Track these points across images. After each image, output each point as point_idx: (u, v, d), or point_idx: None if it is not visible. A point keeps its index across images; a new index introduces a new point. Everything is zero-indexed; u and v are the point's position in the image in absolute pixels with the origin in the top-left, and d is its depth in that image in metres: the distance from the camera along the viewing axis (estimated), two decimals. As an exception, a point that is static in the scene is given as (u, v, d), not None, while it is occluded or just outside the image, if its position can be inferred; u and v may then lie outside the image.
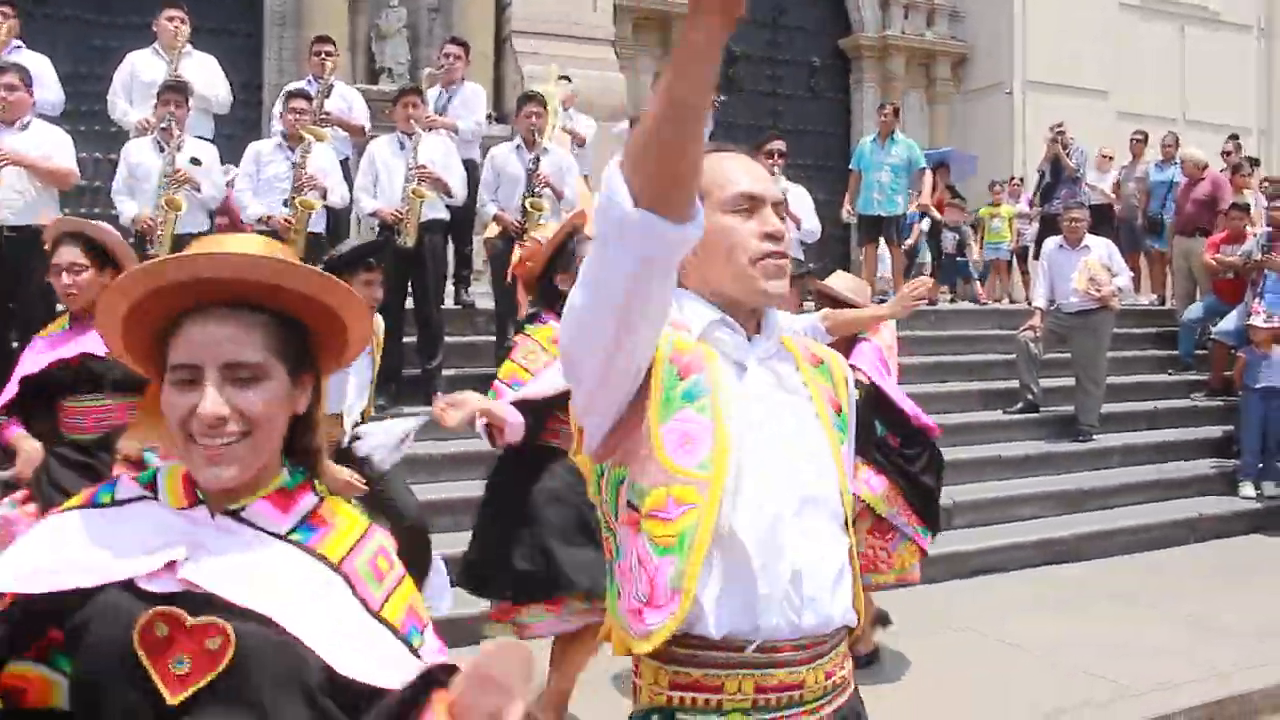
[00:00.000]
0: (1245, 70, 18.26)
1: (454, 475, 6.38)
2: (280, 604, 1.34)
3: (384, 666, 1.36)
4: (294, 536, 1.42)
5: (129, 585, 1.32)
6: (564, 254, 3.93)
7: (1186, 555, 7.45)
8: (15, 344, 6.15)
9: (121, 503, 1.42)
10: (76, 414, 3.98)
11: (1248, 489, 8.37)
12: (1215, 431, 9.18)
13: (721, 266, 1.75)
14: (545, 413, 3.80)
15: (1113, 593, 6.52)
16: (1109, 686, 4.93)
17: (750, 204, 1.76)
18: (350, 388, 4.52)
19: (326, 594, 1.39)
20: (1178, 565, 7.19)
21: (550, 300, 3.95)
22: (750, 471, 1.65)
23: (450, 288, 8.24)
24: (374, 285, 4.53)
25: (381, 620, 1.41)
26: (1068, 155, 11.96)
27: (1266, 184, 11.30)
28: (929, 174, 11.89)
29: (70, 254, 3.94)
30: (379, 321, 4.89)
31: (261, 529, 1.41)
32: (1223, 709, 4.87)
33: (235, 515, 1.40)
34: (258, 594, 1.33)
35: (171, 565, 1.33)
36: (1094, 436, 8.71)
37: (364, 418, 4.72)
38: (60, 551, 1.35)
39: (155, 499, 1.42)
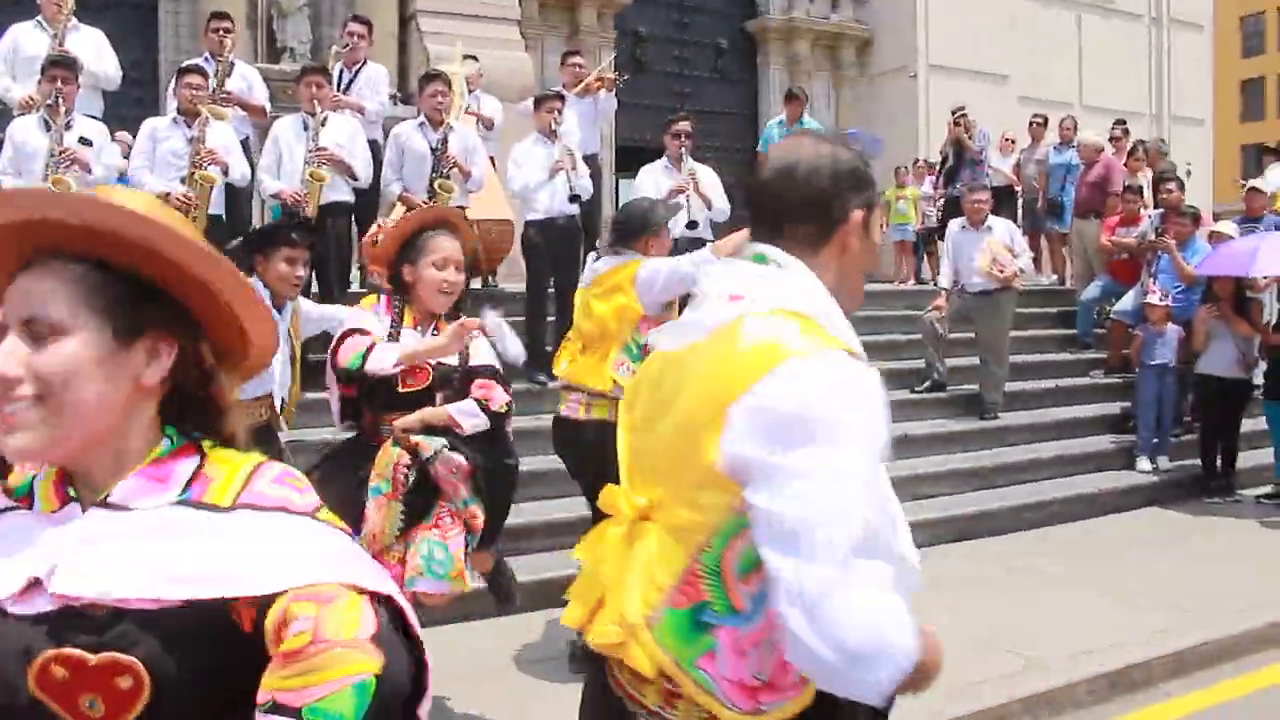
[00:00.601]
0: (1137, 57, 18.83)
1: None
2: (185, 576, 1.16)
3: (333, 563, 1.20)
4: (178, 501, 1.25)
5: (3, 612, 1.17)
6: (412, 247, 3.82)
7: (1088, 529, 7.64)
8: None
9: None
10: None
11: (1144, 464, 8.62)
12: (1114, 408, 9.43)
13: (859, 269, 1.77)
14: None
15: (1015, 568, 6.65)
16: (1014, 659, 5.01)
17: None
18: (275, 369, 4.38)
19: (234, 531, 1.21)
20: (1079, 539, 7.37)
21: (402, 291, 3.87)
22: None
23: (356, 272, 8.07)
24: (296, 264, 4.37)
25: (320, 520, 1.26)
26: (970, 138, 12.16)
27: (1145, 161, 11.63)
28: None
29: None
30: (301, 302, 4.78)
31: (138, 509, 1.23)
32: (1125, 676, 4.99)
33: (107, 503, 1.23)
34: (153, 580, 1.15)
35: (38, 582, 1.17)
36: (998, 414, 8.88)
37: (290, 403, 4.60)
38: None
39: (30, 509, 1.25)
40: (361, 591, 1.16)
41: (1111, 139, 12.25)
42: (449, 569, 3.63)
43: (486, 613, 4.83)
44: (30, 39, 7.52)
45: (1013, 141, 13.05)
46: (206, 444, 1.31)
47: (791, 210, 1.70)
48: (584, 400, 4.78)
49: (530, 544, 5.90)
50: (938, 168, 13.07)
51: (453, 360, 3.81)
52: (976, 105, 13.05)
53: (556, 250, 7.87)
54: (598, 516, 4.80)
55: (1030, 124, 12.90)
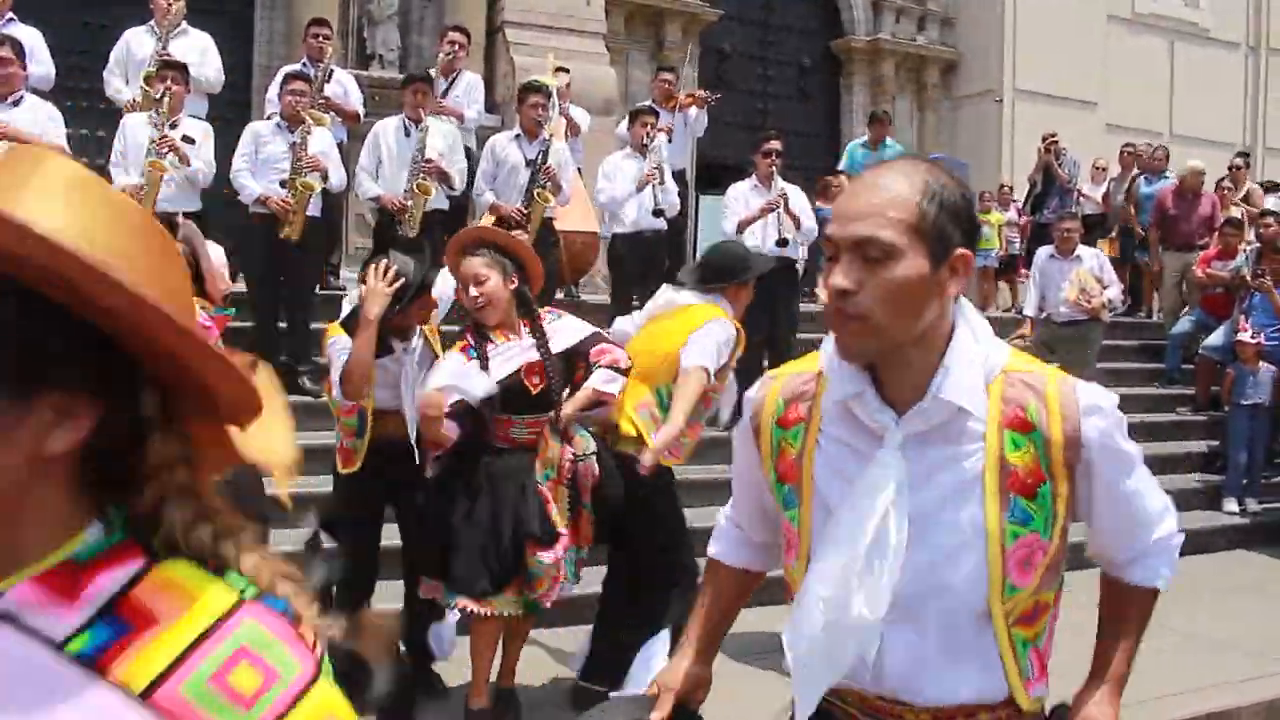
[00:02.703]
0: (1233, 87, 18.38)
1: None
2: None
3: None
4: (77, 645, 0.81)
5: None
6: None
7: (1171, 569, 7.45)
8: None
9: None
10: None
11: (1231, 505, 8.41)
12: (1200, 446, 9.22)
13: None
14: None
15: (1089, 605, 6.51)
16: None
17: (830, 249, 1.61)
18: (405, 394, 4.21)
19: None
20: (1163, 579, 7.20)
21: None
22: None
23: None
24: (428, 307, 4.25)
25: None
26: (1060, 166, 11.99)
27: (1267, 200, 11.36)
28: None
29: None
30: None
31: (32, 631, 0.81)
32: (1212, 724, 4.89)
33: None
34: None
35: None
36: (1080, 447, 8.71)
37: None
38: None
39: None
40: None
41: (1232, 168, 11.99)
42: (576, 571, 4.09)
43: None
44: (141, 43, 7.73)
45: (1104, 169, 12.85)
46: (158, 545, 0.87)
47: None
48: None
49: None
50: (1026, 194, 12.88)
51: (535, 355, 3.99)
52: (1063, 132, 12.85)
53: (642, 263, 7.92)
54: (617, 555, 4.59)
55: (1121, 153, 12.68)
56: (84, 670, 0.80)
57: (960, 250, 1.56)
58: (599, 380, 3.99)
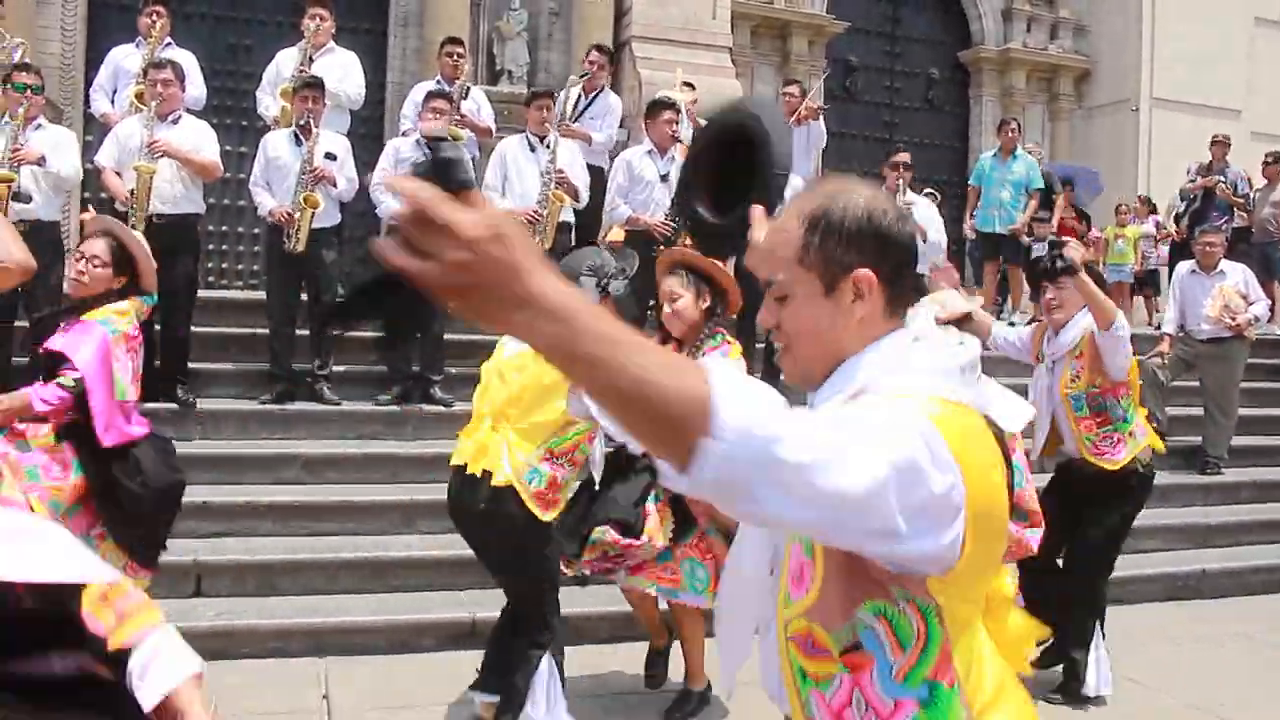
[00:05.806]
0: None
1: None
2: None
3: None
4: None
5: None
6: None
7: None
8: (158, 326, 6.40)
9: None
10: None
11: (1386, 532, 8.00)
12: (1355, 472, 8.78)
13: None
14: None
15: (1239, 633, 6.29)
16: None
17: None
18: None
19: None
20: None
21: None
22: None
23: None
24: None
25: None
26: (1225, 182, 11.59)
27: None
28: (1037, 198, 11.08)
29: (96, 247, 4.09)
30: None
31: None
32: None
33: None
34: None
35: None
36: (1222, 470, 8.42)
37: None
38: None
39: None
40: None
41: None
42: (706, 586, 4.23)
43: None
44: (289, 62, 8.06)
45: (1250, 180, 12.35)
46: None
47: None
48: None
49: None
50: (1183, 208, 12.37)
51: None
52: (1203, 141, 12.43)
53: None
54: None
55: (1263, 163, 12.16)
56: None
57: (858, 271, 1.51)
58: None
